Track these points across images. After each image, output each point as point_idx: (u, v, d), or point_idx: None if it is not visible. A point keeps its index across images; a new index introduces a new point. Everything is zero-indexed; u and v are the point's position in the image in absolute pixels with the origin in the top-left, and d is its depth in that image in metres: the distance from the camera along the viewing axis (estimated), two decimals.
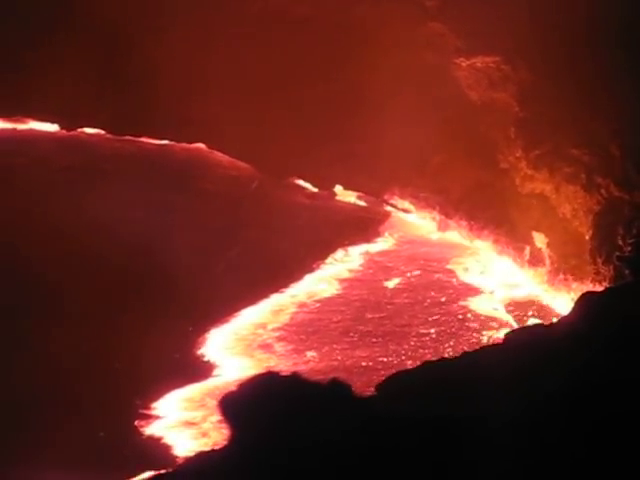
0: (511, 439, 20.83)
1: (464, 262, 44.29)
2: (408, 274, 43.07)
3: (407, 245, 45.38)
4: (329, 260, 43.45)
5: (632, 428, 21.15)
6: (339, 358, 37.77)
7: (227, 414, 21.68)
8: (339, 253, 44.05)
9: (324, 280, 42.35)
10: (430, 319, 40.33)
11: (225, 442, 21.76)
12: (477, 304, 41.61)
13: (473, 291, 42.43)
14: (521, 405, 21.56)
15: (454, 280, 43.10)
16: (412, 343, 38.69)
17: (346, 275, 42.98)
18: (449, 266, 43.97)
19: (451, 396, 22.15)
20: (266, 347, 38.30)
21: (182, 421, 34.56)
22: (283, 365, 36.85)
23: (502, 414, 21.42)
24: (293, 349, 38.12)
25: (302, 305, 40.76)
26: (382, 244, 45.36)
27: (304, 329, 39.28)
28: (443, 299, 41.77)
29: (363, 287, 42.31)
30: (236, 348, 38.13)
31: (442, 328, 39.73)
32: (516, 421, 21.20)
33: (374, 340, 38.80)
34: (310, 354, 37.89)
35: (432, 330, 39.64)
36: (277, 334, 38.94)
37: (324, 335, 38.96)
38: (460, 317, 40.66)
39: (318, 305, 40.82)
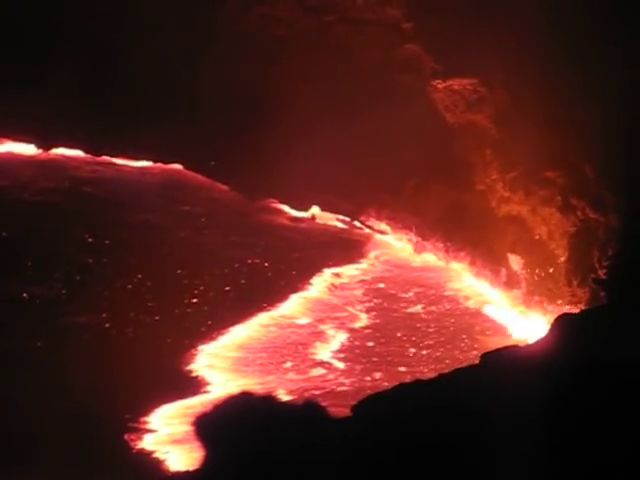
0: (487, 460, 20.80)
1: (459, 288, 44.40)
2: (420, 305, 42.86)
3: (397, 270, 45.31)
4: (322, 285, 43.52)
5: (608, 447, 21.18)
6: (407, 378, 37.92)
7: (203, 433, 21.61)
8: (333, 278, 44.00)
9: (342, 309, 42.34)
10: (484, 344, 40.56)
11: (202, 461, 21.68)
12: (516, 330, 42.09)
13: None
14: (496, 426, 21.54)
15: (466, 304, 43.34)
16: None
17: (363, 304, 42.85)
18: (447, 293, 44.03)
19: (426, 417, 22.13)
20: (323, 364, 38.61)
21: (175, 436, 34.31)
22: (347, 382, 37.35)
23: (477, 435, 21.39)
24: (361, 369, 38.41)
25: (353, 330, 40.82)
26: (371, 268, 45.20)
27: (367, 352, 39.57)
28: (483, 323, 42.11)
29: (393, 315, 42.24)
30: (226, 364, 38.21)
31: None
32: (491, 442, 21.17)
33: (442, 366, 38.76)
34: (378, 375, 38.19)
35: None
36: (342, 355, 39.26)
37: (391, 357, 39.32)
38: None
39: (369, 331, 40.88)
